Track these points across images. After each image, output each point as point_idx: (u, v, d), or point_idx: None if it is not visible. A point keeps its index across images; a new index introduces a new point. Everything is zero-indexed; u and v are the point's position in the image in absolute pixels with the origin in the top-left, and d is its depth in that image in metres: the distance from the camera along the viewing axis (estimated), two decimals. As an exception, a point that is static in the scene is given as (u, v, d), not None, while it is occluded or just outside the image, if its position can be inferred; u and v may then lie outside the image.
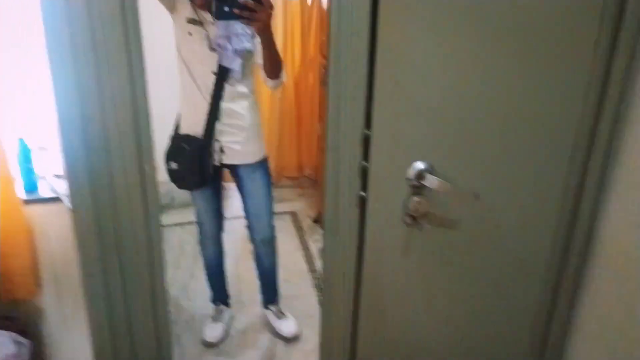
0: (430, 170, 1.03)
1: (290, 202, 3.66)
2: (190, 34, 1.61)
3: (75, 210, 0.95)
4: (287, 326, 2.07)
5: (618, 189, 1.04)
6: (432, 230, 1.09)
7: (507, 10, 0.93)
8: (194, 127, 1.71)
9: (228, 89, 1.67)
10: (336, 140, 1.00)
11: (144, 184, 0.97)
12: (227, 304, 2.18)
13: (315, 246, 2.98)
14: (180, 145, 1.70)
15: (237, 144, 1.75)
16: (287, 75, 1.79)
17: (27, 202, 1.56)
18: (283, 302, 2.19)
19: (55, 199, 1.57)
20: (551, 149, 1.03)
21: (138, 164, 0.95)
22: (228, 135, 1.73)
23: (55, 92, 0.88)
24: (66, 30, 0.85)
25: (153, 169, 0.96)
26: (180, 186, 1.78)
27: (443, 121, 1.01)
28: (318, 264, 2.77)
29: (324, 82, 3.02)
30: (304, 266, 2.76)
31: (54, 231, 1.61)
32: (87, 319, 1.06)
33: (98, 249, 0.98)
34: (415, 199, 1.04)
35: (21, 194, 1.57)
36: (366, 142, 1.01)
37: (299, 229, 3.25)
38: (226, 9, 1.30)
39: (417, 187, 1.04)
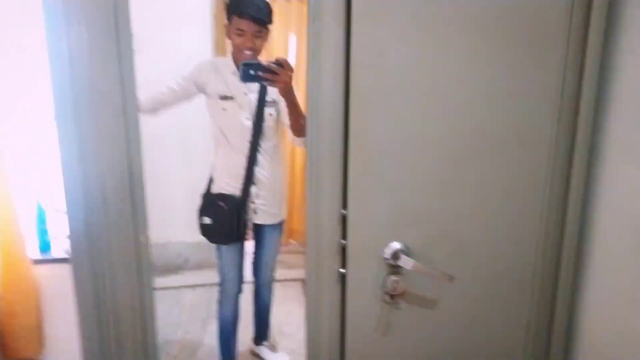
0: (405, 250, 1.08)
1: (300, 270, 3.69)
2: (224, 109, 1.82)
3: (75, 272, 1.03)
4: (281, 357, 2.34)
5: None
6: (411, 309, 1.13)
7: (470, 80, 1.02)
8: (229, 187, 1.90)
9: (260, 153, 1.87)
10: (316, 219, 1.07)
11: (139, 253, 1.05)
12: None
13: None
14: (216, 202, 1.88)
15: (268, 206, 1.98)
16: None
17: (39, 262, 1.66)
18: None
19: (67, 260, 1.66)
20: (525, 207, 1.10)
21: (134, 235, 1.03)
22: (261, 197, 1.94)
23: (61, 159, 0.99)
24: (70, 97, 0.96)
25: (146, 239, 1.04)
26: (213, 240, 1.95)
27: (417, 201, 1.08)
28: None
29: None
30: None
31: (62, 291, 1.69)
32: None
33: (95, 309, 1.05)
34: (393, 278, 1.09)
35: (35, 254, 1.68)
36: (344, 221, 1.08)
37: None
38: (251, 72, 1.45)
39: (394, 266, 1.09)
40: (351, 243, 1.08)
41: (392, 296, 1.11)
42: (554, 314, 1.16)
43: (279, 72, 1.48)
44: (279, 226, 2.09)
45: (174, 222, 3.04)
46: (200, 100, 1.92)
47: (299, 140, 1.83)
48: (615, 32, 1.04)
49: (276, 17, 1.86)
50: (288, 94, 1.61)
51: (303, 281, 3.48)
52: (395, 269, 1.09)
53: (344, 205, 1.07)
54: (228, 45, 3.62)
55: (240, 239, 1.95)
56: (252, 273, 2.20)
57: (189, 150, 3.13)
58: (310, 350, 1.16)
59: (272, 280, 2.23)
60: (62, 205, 1.80)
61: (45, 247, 1.68)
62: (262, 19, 1.70)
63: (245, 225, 1.94)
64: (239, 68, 1.48)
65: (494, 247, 1.12)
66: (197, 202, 1.96)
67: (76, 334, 1.73)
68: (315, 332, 1.14)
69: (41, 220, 1.67)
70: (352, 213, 1.06)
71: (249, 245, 2.12)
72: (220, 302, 2.09)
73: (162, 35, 2.89)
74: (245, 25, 1.68)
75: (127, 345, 1.11)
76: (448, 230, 1.10)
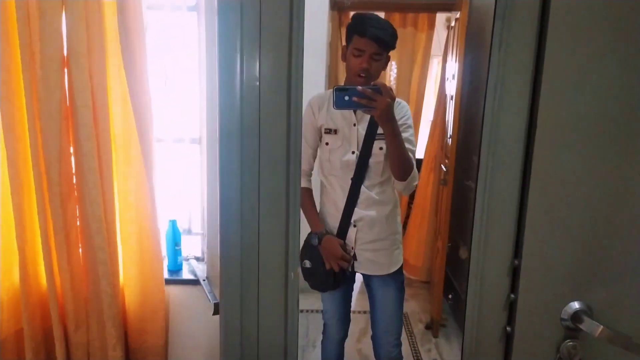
0: (589, 312, 0.93)
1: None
2: (327, 144, 1.68)
3: (223, 297, 1.01)
4: None
5: None
6: (588, 381, 0.96)
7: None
8: (330, 229, 1.74)
9: (364, 192, 1.68)
10: (481, 269, 0.96)
11: (287, 289, 1.00)
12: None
13: (427, 357, 2.79)
14: (313, 244, 1.72)
15: (371, 253, 1.73)
16: (419, 178, 1.77)
17: (169, 282, 1.69)
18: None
19: (194, 281, 1.69)
20: None
21: (285, 270, 0.98)
22: (364, 242, 1.72)
23: (220, 184, 0.98)
24: (238, 126, 0.95)
25: (297, 276, 0.99)
26: (311, 285, 1.78)
27: (605, 254, 0.92)
28: (431, 377, 2.57)
29: (443, 181, 3.01)
30: (415, 379, 2.58)
31: (189, 312, 1.71)
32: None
33: (238, 342, 1.01)
34: (570, 343, 0.94)
35: (165, 273, 1.72)
36: (515, 272, 0.95)
37: (410, 334, 3.09)
38: (346, 97, 1.34)
39: (572, 329, 0.94)
40: (523, 298, 0.94)
41: (566, 364, 0.95)
42: None
43: (375, 98, 1.37)
44: (392, 280, 1.77)
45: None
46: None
47: (399, 184, 1.64)
48: None
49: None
50: (386, 122, 1.47)
51: (405, 316, 3.35)
52: (572, 333, 0.94)
53: (516, 254, 0.94)
54: (342, 74, 3.65)
55: (336, 286, 1.75)
56: (372, 345, 1.89)
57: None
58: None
59: (394, 356, 1.83)
60: (196, 227, 1.87)
61: (176, 267, 1.71)
62: (385, 40, 1.56)
63: (342, 272, 1.72)
64: (332, 93, 1.35)
65: None
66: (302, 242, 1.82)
67: (196, 356, 1.75)
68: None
69: (175, 240, 1.70)
70: (526, 263, 0.93)
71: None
72: (324, 345, 1.98)
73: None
74: (365, 44, 1.54)
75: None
76: (643, 293, 0.92)
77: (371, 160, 1.65)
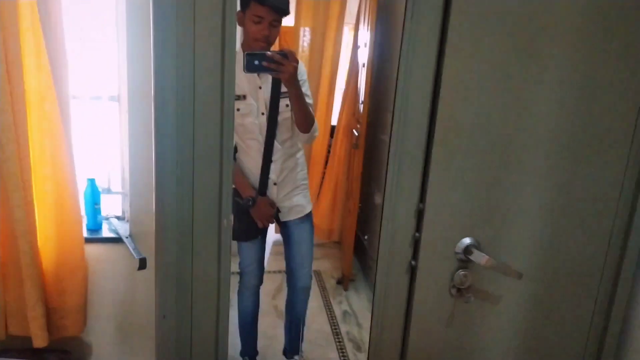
0: (477, 245, 1.12)
1: (315, 262, 3.71)
2: (237, 109, 1.77)
3: (158, 249, 1.06)
4: None
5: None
6: (476, 303, 1.16)
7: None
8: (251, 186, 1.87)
9: (277, 148, 1.83)
10: (392, 212, 1.11)
11: (220, 237, 1.08)
12: (254, 360, 2.23)
13: (339, 308, 3.01)
14: (234, 199, 1.81)
15: (290, 201, 1.93)
16: (319, 129, 1.95)
17: (88, 240, 1.68)
18: (307, 364, 2.24)
19: (115, 240, 1.69)
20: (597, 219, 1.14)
21: (218, 218, 1.06)
22: (283, 195, 1.90)
23: (155, 139, 1.02)
24: (174, 83, 1.00)
25: (230, 223, 1.07)
26: (233, 237, 1.88)
27: (491, 198, 1.11)
28: (342, 328, 2.79)
29: (355, 145, 3.19)
30: (328, 328, 2.78)
31: (110, 270, 1.72)
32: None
33: (173, 291, 1.08)
34: (462, 272, 1.13)
35: (84, 232, 1.70)
36: (419, 215, 1.11)
37: (322, 289, 3.29)
38: (256, 62, 1.45)
39: (464, 260, 1.13)
40: (425, 236, 1.11)
41: (459, 290, 1.15)
42: (610, 314, 1.20)
43: (283, 63, 1.49)
44: (307, 220, 2.01)
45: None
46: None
47: (303, 136, 1.82)
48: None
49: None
50: (292, 85, 1.62)
51: (317, 274, 3.54)
52: (464, 264, 1.13)
53: (422, 199, 1.10)
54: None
55: (257, 235, 1.92)
56: (286, 279, 2.11)
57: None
58: (374, 338, 1.19)
59: (307, 287, 2.09)
60: (115, 186, 1.84)
61: (95, 226, 1.70)
62: (283, 7, 1.67)
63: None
64: (243, 57, 1.46)
65: (563, 248, 1.15)
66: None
67: (116, 313, 1.77)
68: (381, 320, 1.18)
69: (94, 199, 1.68)
70: (428, 207, 1.10)
71: (270, 240, 2.13)
72: (241, 294, 2.10)
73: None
74: (264, 12, 1.64)
75: (203, 323, 1.14)
76: (519, 230, 1.13)
77: (279, 118, 1.81)
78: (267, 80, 1.78)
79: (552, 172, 1.11)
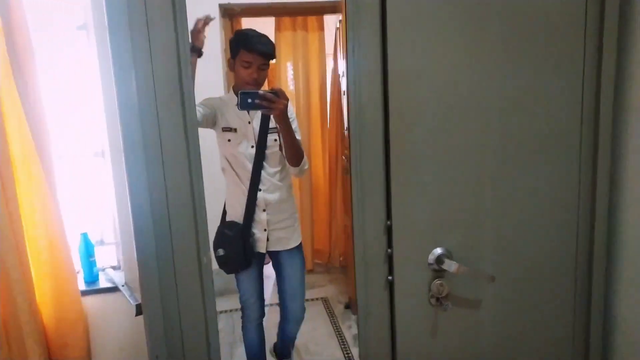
0: (448, 255, 1.16)
1: (322, 288, 3.74)
2: (229, 140, 1.90)
3: (144, 296, 1.11)
4: None
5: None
6: (456, 310, 1.20)
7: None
8: (236, 214, 1.96)
9: (265, 179, 1.92)
10: (362, 231, 1.15)
11: (201, 273, 1.13)
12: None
13: (349, 333, 3.02)
14: (224, 231, 1.93)
15: (279, 232, 1.99)
16: (308, 163, 2.04)
17: (86, 293, 1.73)
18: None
19: (112, 289, 1.74)
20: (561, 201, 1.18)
21: (197, 255, 1.11)
22: (272, 224, 1.97)
23: (130, 190, 1.07)
24: (140, 136, 1.06)
25: (209, 259, 1.12)
26: (227, 270, 1.99)
27: (456, 207, 1.15)
28: (354, 351, 2.80)
29: (346, 171, 3.26)
30: (339, 354, 2.78)
31: (109, 319, 1.76)
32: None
33: (162, 332, 1.12)
34: (437, 281, 1.16)
35: (81, 285, 1.75)
36: (389, 231, 1.16)
37: (331, 314, 3.30)
38: (249, 100, 1.59)
39: (438, 270, 1.16)
40: (397, 251, 1.16)
41: (437, 299, 1.18)
42: (590, 308, 1.23)
43: (274, 100, 1.62)
44: (296, 252, 2.06)
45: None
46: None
47: (294, 169, 1.92)
48: (628, 32, 1.13)
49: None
50: (282, 121, 1.73)
51: (325, 300, 3.55)
52: (439, 273, 1.17)
53: (388, 216, 1.15)
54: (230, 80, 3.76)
55: (249, 265, 1.97)
56: (280, 310, 2.15)
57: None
58: (363, 356, 1.22)
59: (300, 318, 2.14)
60: (108, 237, 1.91)
61: (92, 278, 1.75)
62: (270, 52, 1.85)
63: (252, 251, 1.96)
64: (238, 96, 1.60)
65: (532, 246, 1.19)
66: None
67: (124, 358, 1.80)
68: (367, 338, 1.21)
69: (88, 252, 1.74)
70: (396, 223, 1.14)
71: (269, 272, 2.15)
72: (245, 328, 2.15)
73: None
74: (253, 58, 1.81)
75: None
76: (487, 233, 1.17)
77: (267, 151, 1.91)
78: (257, 116, 1.91)
79: (511, 175, 1.16)
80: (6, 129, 1.47)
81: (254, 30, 1.89)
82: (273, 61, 1.93)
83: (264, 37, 1.87)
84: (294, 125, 1.89)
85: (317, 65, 3.77)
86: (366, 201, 1.14)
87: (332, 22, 3.65)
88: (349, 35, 1.08)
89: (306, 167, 1.96)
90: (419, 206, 1.15)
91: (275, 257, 2.06)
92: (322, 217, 3.95)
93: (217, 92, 3.23)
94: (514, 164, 1.15)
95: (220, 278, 3.26)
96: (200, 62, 3.16)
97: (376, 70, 1.09)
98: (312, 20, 3.65)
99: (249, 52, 1.81)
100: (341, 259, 3.96)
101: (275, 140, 1.93)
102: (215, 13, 3.21)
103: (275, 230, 1.99)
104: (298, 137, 1.90)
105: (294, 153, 1.88)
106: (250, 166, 1.90)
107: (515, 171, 1.16)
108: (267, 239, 1.98)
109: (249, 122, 1.90)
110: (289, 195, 2.02)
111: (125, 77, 1.04)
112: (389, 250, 1.16)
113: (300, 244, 2.09)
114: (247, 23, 3.61)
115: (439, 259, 1.15)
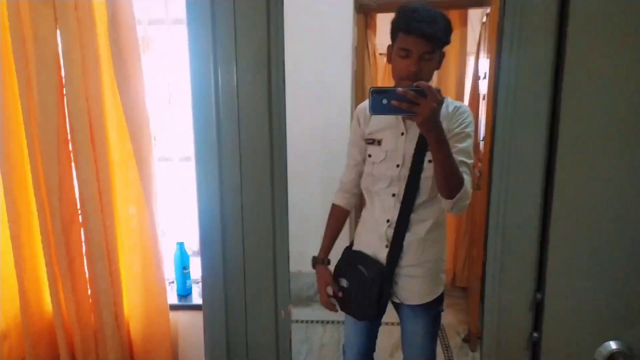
0: (628, 353, 0.79)
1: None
2: (370, 155, 1.50)
3: (207, 320, 0.93)
4: None
5: None
6: None
7: None
8: (371, 248, 1.53)
9: (415, 212, 1.46)
10: (497, 303, 0.83)
11: (277, 330, 0.90)
12: None
13: (463, 371, 2.64)
14: (356, 265, 1.52)
15: (413, 280, 1.51)
16: (470, 197, 1.40)
17: (178, 307, 1.62)
18: None
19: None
20: None
21: (274, 308, 0.89)
22: (405, 268, 1.50)
23: (198, 198, 0.91)
24: (214, 135, 0.89)
25: (288, 315, 0.89)
26: (344, 308, 1.59)
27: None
28: (468, 397, 2.42)
29: (477, 186, 2.85)
30: (450, 393, 2.43)
31: (200, 336, 1.64)
32: None
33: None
34: (607, 390, 0.80)
35: (173, 297, 1.66)
36: (538, 308, 0.82)
37: (446, 347, 2.94)
38: (384, 101, 1.13)
39: (610, 374, 0.79)
40: (547, 339, 0.81)
41: (604, 414, 0.81)
42: None
43: (418, 102, 1.14)
44: (430, 308, 1.53)
45: (308, 250, 2.93)
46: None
47: (445, 202, 1.38)
48: None
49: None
50: (429, 131, 1.23)
51: (441, 328, 3.19)
52: (610, 378, 0.80)
53: (539, 287, 0.81)
54: (369, 80, 3.51)
55: (380, 315, 1.54)
56: None
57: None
58: None
59: None
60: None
61: (185, 291, 1.65)
62: (437, 35, 1.32)
63: (386, 303, 1.52)
64: (369, 96, 1.15)
65: None
66: (339, 254, 1.60)
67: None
68: None
69: (183, 263, 1.64)
70: (550, 297, 0.80)
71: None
72: None
73: (303, 67, 2.90)
74: (412, 43, 1.31)
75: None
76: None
77: (422, 175, 1.43)
78: (415, 127, 1.40)
79: None
80: (107, 130, 1.40)
81: (422, 5, 1.36)
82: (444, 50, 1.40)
83: (435, 13, 1.34)
84: (465, 144, 1.39)
85: (456, 65, 3.45)
86: (507, 262, 0.81)
87: (475, 17, 3.24)
88: (506, 31, 0.76)
89: (466, 201, 1.39)
90: (588, 276, 0.79)
91: (402, 310, 1.58)
92: (447, 235, 3.59)
93: (340, 95, 3.06)
94: None
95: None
96: (326, 60, 3.01)
97: (544, 79, 0.76)
98: (454, 14, 3.30)
99: (406, 34, 1.31)
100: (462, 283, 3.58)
101: (430, 161, 1.41)
102: (349, 6, 3.01)
103: (406, 277, 1.51)
104: (465, 159, 1.39)
105: (445, 180, 1.33)
106: (391, 192, 1.46)
107: None
108: (396, 283, 1.52)
109: (402, 134, 1.44)
110: (434, 235, 1.51)
111: (204, 75, 0.86)
112: (535, 334, 0.82)
113: (438, 299, 1.55)
114: (382, 19, 3.36)
115: (613, 358, 0.79)
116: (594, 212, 0.77)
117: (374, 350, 1.71)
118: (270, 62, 0.86)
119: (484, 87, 2.78)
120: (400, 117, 1.42)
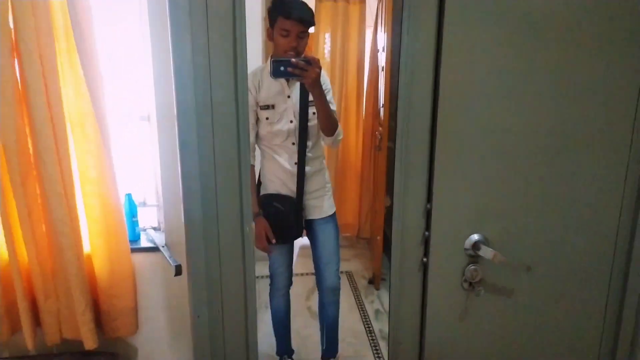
0: (485, 242, 1.18)
1: (346, 262, 3.80)
2: (267, 118, 1.91)
3: (189, 257, 1.17)
4: None
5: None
6: (488, 297, 1.22)
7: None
8: (284, 188, 2.00)
9: (308, 152, 1.97)
10: (402, 213, 1.18)
11: (244, 243, 1.18)
12: (291, 358, 2.34)
13: (371, 307, 3.08)
14: (272, 204, 1.99)
15: (314, 200, 2.05)
16: (343, 133, 2.03)
17: (130, 250, 1.81)
18: (341, 362, 2.32)
19: (153, 249, 1.82)
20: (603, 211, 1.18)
21: (240, 226, 1.16)
22: (310, 194, 2.03)
23: (180, 151, 1.12)
24: (193, 103, 1.09)
25: (251, 230, 1.17)
26: (277, 240, 2.02)
27: (497, 196, 1.17)
28: (375, 325, 2.86)
29: (378, 147, 3.26)
30: (361, 327, 2.85)
31: (150, 277, 1.85)
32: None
33: (205, 293, 1.19)
34: (472, 267, 1.19)
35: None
36: (428, 214, 1.18)
37: (354, 289, 3.37)
38: (282, 68, 1.59)
39: (474, 256, 1.18)
40: (434, 234, 1.18)
41: (470, 284, 1.21)
42: (623, 305, 1.23)
43: (307, 68, 1.61)
44: (331, 221, 2.11)
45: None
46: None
47: (328, 139, 1.92)
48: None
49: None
50: (315, 89, 1.72)
51: (349, 274, 3.62)
52: (474, 259, 1.19)
53: (429, 199, 1.17)
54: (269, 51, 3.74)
55: (299, 234, 2.06)
56: (315, 280, 2.17)
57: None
58: (392, 334, 1.26)
59: (336, 287, 2.14)
60: (150, 199, 1.98)
61: (135, 237, 1.84)
62: (308, 20, 1.78)
63: (301, 223, 2.05)
64: (270, 64, 1.59)
65: (571, 240, 1.20)
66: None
67: (159, 316, 1.90)
68: (397, 315, 1.25)
69: (132, 212, 1.82)
70: (436, 206, 1.16)
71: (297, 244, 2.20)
72: (272, 296, 2.21)
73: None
74: (290, 25, 1.76)
75: (233, 321, 1.24)
76: (526, 224, 1.18)
77: (309, 124, 1.93)
78: (295, 89, 1.91)
79: (555, 168, 1.16)
80: (63, 88, 1.53)
81: None
82: (312, 30, 1.87)
83: (302, 3, 1.82)
84: (329, 96, 1.89)
85: (356, 38, 3.74)
86: (408, 182, 1.16)
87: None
88: (405, 14, 1.08)
89: (340, 137, 1.97)
90: (461, 191, 1.16)
91: (311, 225, 2.10)
92: (352, 192, 3.98)
93: (255, 62, 3.26)
94: (561, 157, 1.15)
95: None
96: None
97: (429, 50, 1.10)
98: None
99: (286, 19, 1.75)
100: (365, 233, 4.01)
101: (314, 113, 1.92)
102: (257, -20, 3.21)
103: (311, 200, 2.05)
104: (333, 107, 1.91)
105: (328, 122, 1.87)
106: (289, 142, 1.92)
107: (562, 165, 1.15)
108: (307, 209, 2.05)
109: (288, 97, 1.90)
110: (322, 167, 2.07)
111: (182, 47, 1.07)
112: (427, 232, 1.19)
113: (334, 213, 2.13)
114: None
115: (476, 245, 1.17)
116: (468, 144, 1.14)
117: (292, 267, 2.21)
118: (235, 29, 1.09)
119: (381, 59, 3.16)
120: (284, 84, 1.89)
